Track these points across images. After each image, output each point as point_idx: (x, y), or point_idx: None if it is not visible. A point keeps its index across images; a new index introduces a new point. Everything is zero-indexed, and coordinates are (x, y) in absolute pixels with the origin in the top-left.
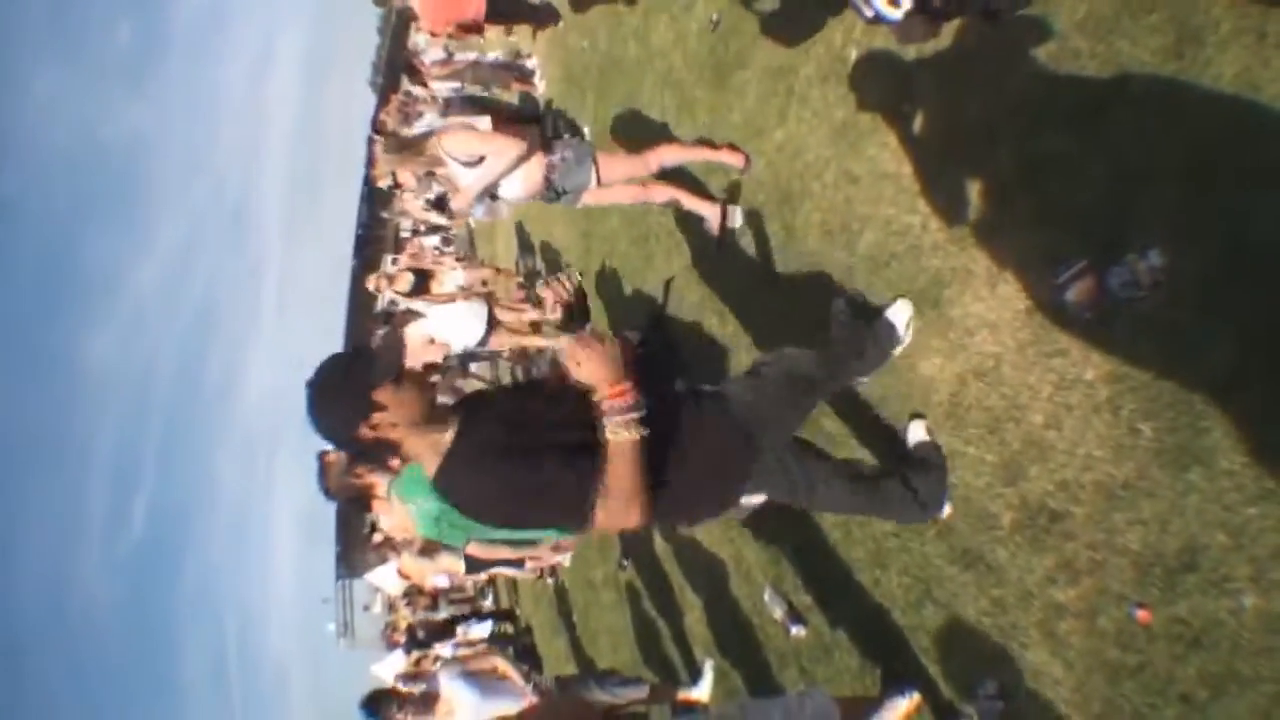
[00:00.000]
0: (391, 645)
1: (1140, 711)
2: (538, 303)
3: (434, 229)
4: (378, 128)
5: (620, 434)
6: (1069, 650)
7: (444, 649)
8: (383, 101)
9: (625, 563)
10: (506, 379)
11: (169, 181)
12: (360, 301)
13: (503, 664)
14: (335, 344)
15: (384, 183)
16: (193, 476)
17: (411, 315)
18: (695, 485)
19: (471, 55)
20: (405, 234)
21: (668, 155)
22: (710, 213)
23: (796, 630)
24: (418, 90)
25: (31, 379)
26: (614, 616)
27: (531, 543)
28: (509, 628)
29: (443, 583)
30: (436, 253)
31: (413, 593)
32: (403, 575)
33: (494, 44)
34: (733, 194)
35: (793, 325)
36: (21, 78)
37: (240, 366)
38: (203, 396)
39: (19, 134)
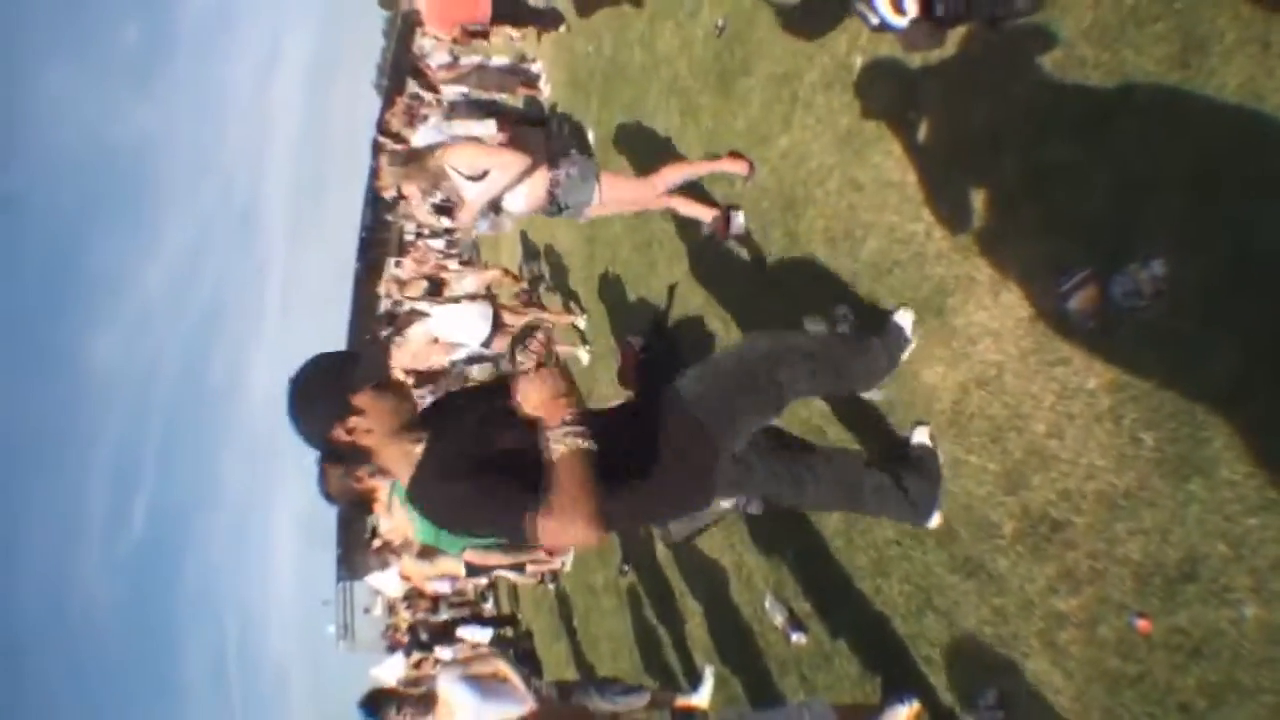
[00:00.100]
0: (393, 645)
1: None
2: (540, 305)
3: (438, 232)
4: (384, 130)
5: (560, 446)
6: (1069, 659)
7: (444, 652)
8: (388, 104)
9: (626, 568)
10: None
11: (175, 182)
12: (364, 304)
13: (504, 667)
14: (339, 346)
15: (389, 194)
16: (194, 477)
17: (416, 315)
18: (658, 486)
19: (477, 60)
20: (409, 237)
21: (672, 176)
22: (713, 219)
23: (797, 637)
24: (423, 93)
25: (36, 378)
26: (614, 622)
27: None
28: (509, 632)
29: (444, 589)
30: (441, 255)
31: (413, 595)
32: (404, 578)
33: (499, 48)
34: (736, 200)
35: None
36: (29, 76)
37: (243, 368)
38: (205, 397)
39: (26, 133)
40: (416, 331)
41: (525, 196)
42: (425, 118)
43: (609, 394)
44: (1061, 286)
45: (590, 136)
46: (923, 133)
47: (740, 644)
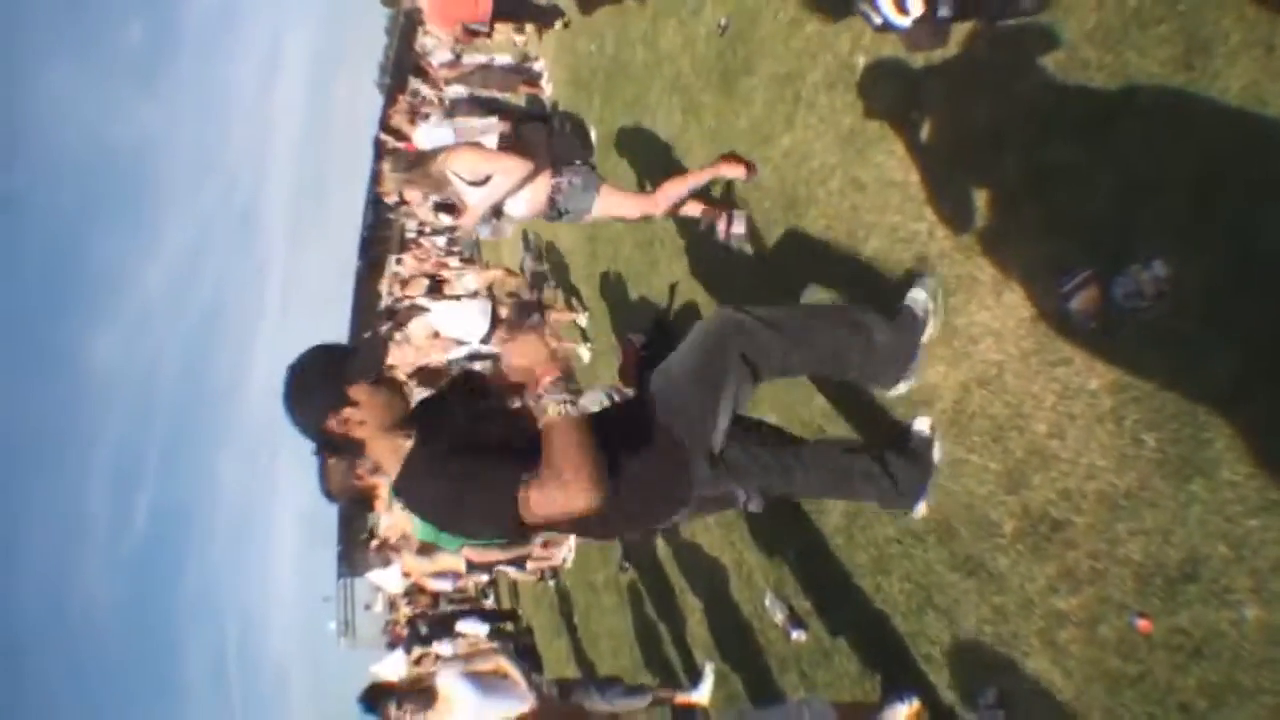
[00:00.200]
0: (394, 641)
1: None
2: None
3: (440, 230)
4: (386, 128)
5: (552, 410)
6: (1069, 659)
7: (444, 647)
8: (390, 102)
9: (627, 565)
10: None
11: (176, 181)
12: (365, 302)
13: (505, 664)
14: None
15: (391, 199)
16: (195, 476)
17: (416, 310)
18: (632, 492)
19: (479, 58)
20: (411, 235)
21: (673, 191)
22: (714, 217)
23: (797, 635)
24: (426, 91)
25: (36, 378)
26: (615, 619)
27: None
28: (509, 626)
29: (446, 586)
30: (443, 253)
31: (413, 591)
32: (405, 574)
33: (502, 47)
34: (738, 199)
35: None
36: (32, 76)
37: (244, 367)
38: (206, 396)
39: (28, 132)
40: (417, 326)
41: (527, 201)
42: (427, 116)
43: None
44: (1063, 287)
45: (593, 135)
46: (925, 133)
47: (740, 641)
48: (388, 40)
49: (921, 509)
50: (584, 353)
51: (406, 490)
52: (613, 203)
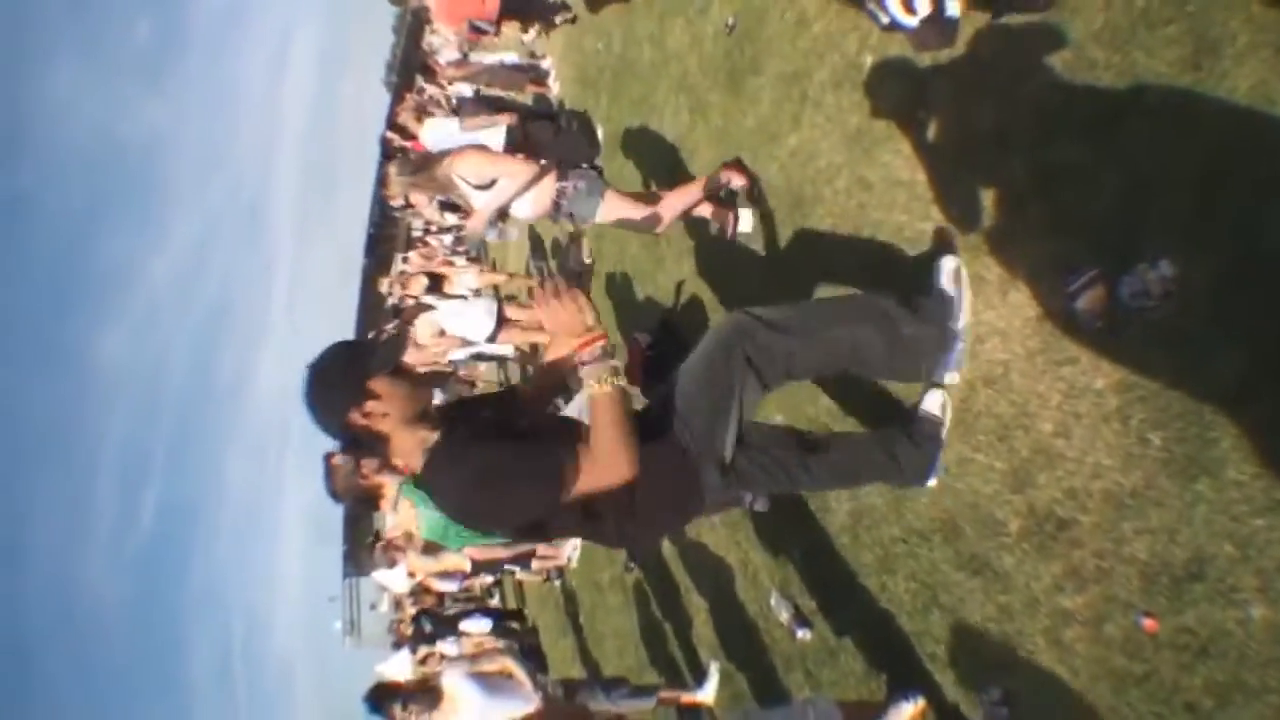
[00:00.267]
0: (399, 641)
1: None
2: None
3: (446, 228)
4: (393, 126)
5: (595, 387)
6: (1075, 657)
7: (448, 646)
8: (397, 101)
9: (632, 565)
10: (515, 380)
11: (184, 178)
12: (371, 300)
13: (511, 664)
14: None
15: (396, 203)
16: (201, 474)
17: (422, 308)
18: (647, 502)
19: (487, 57)
20: (417, 233)
21: (677, 203)
22: (723, 219)
23: (802, 634)
24: (432, 90)
25: (44, 374)
26: (620, 618)
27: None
28: (514, 625)
29: (451, 587)
30: (449, 251)
31: (419, 591)
32: (411, 574)
33: (509, 45)
34: (745, 198)
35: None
36: (40, 73)
37: (251, 364)
38: (213, 394)
39: (36, 129)
40: (422, 325)
41: (532, 203)
42: (433, 115)
43: None
44: (1069, 286)
45: (599, 133)
46: (932, 132)
47: (745, 640)
48: (395, 38)
49: (932, 482)
50: None
51: (433, 481)
52: (617, 209)
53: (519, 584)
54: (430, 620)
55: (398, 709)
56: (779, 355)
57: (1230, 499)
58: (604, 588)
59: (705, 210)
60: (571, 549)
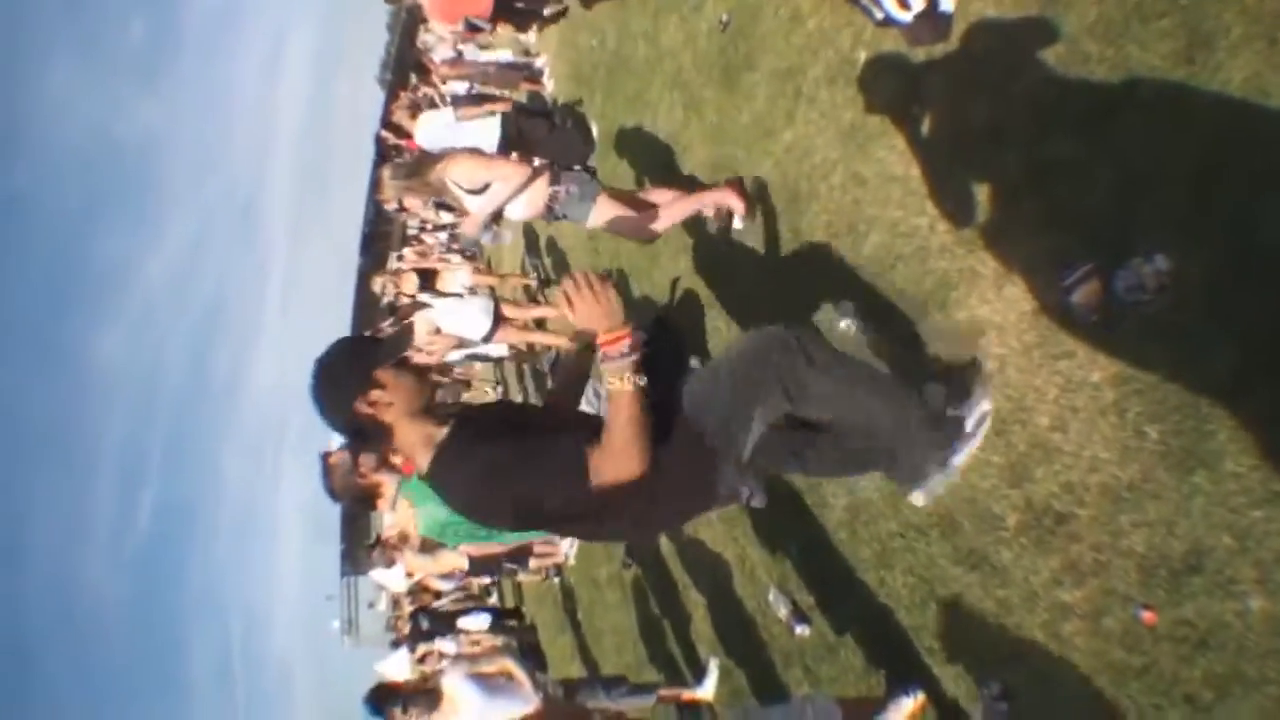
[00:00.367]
0: (397, 640)
1: (1145, 713)
2: (544, 301)
3: (441, 226)
4: (388, 124)
5: (615, 384)
6: (1074, 651)
7: (446, 644)
8: (392, 99)
9: (630, 561)
10: (511, 380)
11: (179, 178)
12: (367, 298)
13: (510, 665)
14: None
15: (390, 207)
16: (199, 473)
17: (418, 306)
18: (664, 494)
19: (481, 55)
20: (412, 231)
21: (675, 214)
22: (721, 218)
23: (801, 630)
24: (427, 88)
25: (40, 374)
26: (618, 615)
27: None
28: (512, 623)
29: (449, 586)
30: (444, 250)
31: (416, 590)
32: (409, 573)
33: (503, 42)
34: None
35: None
36: (35, 73)
37: (248, 363)
38: (210, 393)
39: (31, 129)
40: (418, 322)
41: (525, 205)
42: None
43: None
44: (1065, 280)
45: (594, 131)
46: (926, 127)
47: (744, 637)
48: (389, 37)
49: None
50: None
51: (440, 477)
52: (609, 213)
53: (518, 584)
54: (427, 618)
55: (398, 711)
56: (808, 388)
57: (1228, 491)
58: (602, 584)
59: (711, 213)
60: (569, 545)
